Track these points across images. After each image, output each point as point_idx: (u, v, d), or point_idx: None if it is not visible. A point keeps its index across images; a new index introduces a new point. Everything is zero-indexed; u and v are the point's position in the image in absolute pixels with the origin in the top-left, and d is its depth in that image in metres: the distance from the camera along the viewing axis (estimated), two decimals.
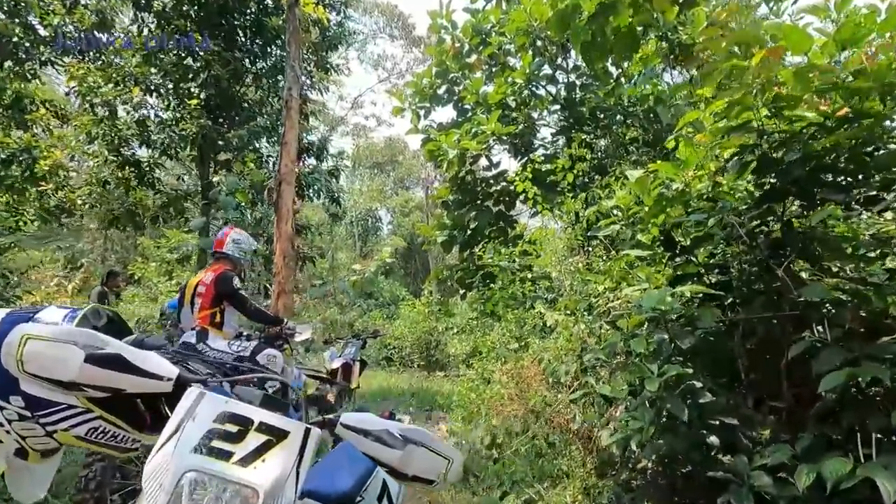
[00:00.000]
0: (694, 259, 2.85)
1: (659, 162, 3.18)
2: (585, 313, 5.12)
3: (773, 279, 2.46)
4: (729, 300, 2.61)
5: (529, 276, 5.25)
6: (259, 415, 1.03)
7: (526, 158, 6.94)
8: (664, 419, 2.06)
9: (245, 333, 3.89)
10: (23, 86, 7.18)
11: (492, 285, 5.59)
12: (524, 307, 5.71)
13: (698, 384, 2.11)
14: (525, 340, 5.93)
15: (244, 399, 1.13)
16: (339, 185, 8.08)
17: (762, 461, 1.90)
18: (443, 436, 5.86)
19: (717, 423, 2.13)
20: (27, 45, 7.08)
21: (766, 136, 2.48)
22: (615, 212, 5.40)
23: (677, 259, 2.90)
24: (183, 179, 8.28)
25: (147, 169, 6.92)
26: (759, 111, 2.39)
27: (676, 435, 2.07)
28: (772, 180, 2.49)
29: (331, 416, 1.19)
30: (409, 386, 9.40)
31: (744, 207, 2.57)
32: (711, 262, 2.85)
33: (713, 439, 2.08)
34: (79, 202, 6.61)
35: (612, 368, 2.63)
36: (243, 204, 5.16)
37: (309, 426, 1.06)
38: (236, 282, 3.37)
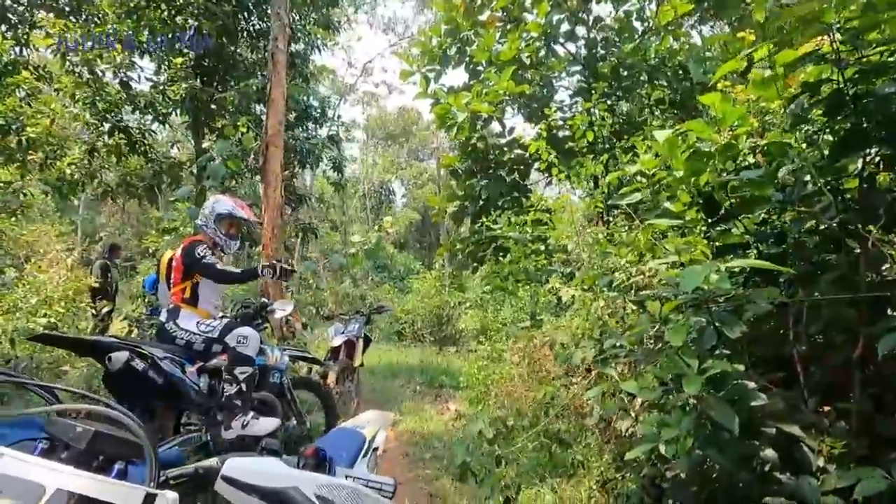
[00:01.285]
0: (740, 227, 2.36)
1: (690, 121, 2.67)
2: (605, 289, 4.66)
3: (844, 251, 1.97)
4: (784, 278, 2.12)
5: (543, 248, 4.78)
6: (60, 477, 0.61)
7: (542, 119, 6.34)
8: (707, 429, 1.63)
9: (220, 313, 3.54)
10: (21, 51, 6.83)
11: (502, 259, 5.14)
12: (537, 282, 5.27)
13: (750, 384, 1.66)
14: (538, 318, 5.51)
15: (59, 437, 0.72)
16: (342, 151, 7.58)
17: (837, 483, 1.47)
18: (451, 417, 5.54)
19: (773, 431, 1.68)
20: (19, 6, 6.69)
21: (840, 71, 1.94)
22: (639, 178, 4.88)
23: (718, 228, 2.41)
24: (178, 147, 7.90)
25: (139, 136, 6.55)
26: (834, 33, 1.85)
27: (722, 447, 1.64)
28: (847, 126, 1.97)
29: (212, 462, 0.78)
30: (419, 362, 9.11)
31: (807, 164, 2.06)
32: (762, 230, 2.35)
33: (769, 453, 1.64)
34: (68, 171, 6.31)
35: (636, 359, 2.19)
36: (236, 172, 4.76)
37: (154, 492, 0.63)
38: (200, 249, 2.99)
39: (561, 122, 9.18)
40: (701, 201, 2.38)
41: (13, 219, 10.41)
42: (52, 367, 4.44)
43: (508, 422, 5.15)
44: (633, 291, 3.47)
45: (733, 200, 2.38)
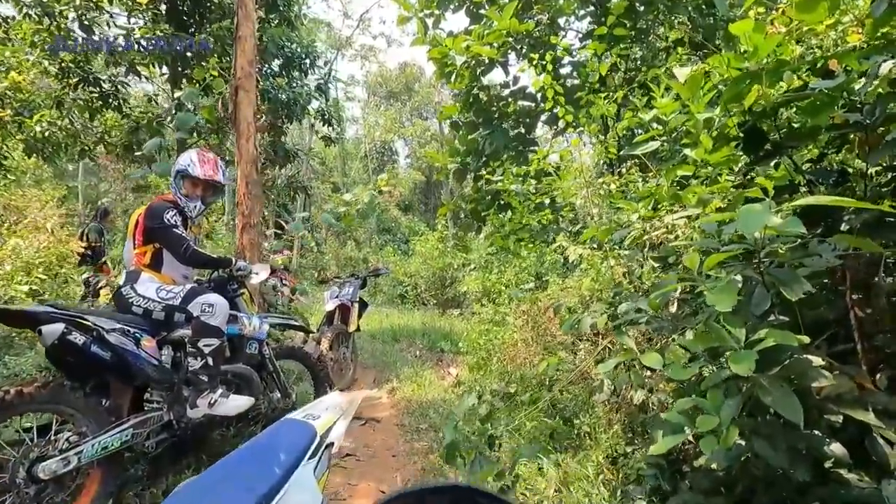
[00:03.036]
0: (785, 167, 1.93)
1: (716, 56, 2.19)
2: (617, 246, 4.26)
3: None
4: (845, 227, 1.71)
5: (548, 202, 4.35)
6: None
7: (545, 50, 5.68)
8: (757, 417, 1.27)
9: (195, 277, 3.20)
10: None
11: (504, 216, 4.73)
12: (543, 241, 4.88)
13: (815, 359, 1.28)
14: (544, 279, 5.15)
15: None
16: (330, 102, 7.00)
17: None
18: (451, 383, 5.28)
19: (840, 420, 1.32)
20: None
21: None
22: (655, 126, 4.43)
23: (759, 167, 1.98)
24: (156, 101, 7.38)
25: (111, 89, 6.03)
26: None
27: (775, 440, 1.28)
28: None
29: None
30: (421, 325, 8.86)
31: None
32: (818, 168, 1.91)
33: (835, 448, 1.28)
34: (38, 129, 5.86)
35: (660, 326, 1.81)
36: (209, 122, 4.30)
37: None
38: (169, 215, 2.62)
39: (570, 69, 8.51)
40: (743, 133, 1.94)
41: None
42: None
43: (511, 389, 4.90)
44: (647, 248, 3.09)
45: (781, 133, 1.94)
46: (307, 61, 6.20)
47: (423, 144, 27.53)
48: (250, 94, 3.69)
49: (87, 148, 6.46)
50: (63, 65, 5.33)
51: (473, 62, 8.35)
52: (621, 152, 5.37)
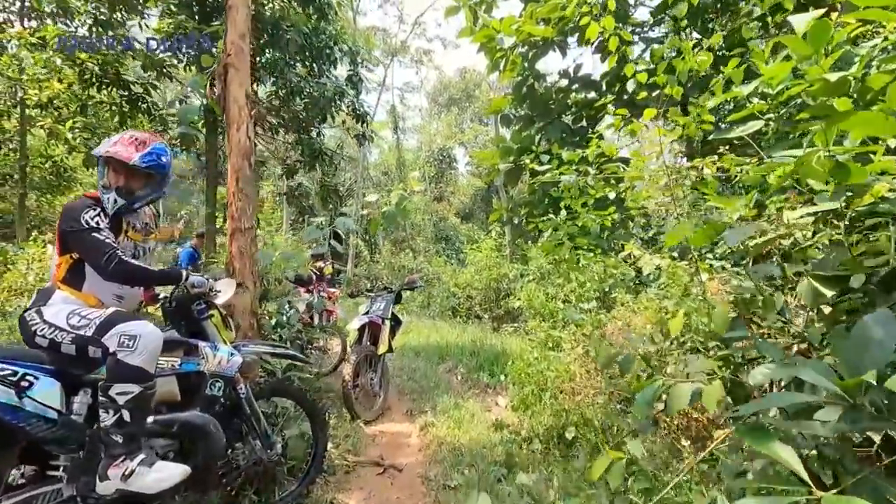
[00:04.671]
0: None
1: None
2: (710, 256, 3.19)
3: None
4: None
5: (612, 195, 3.34)
6: None
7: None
8: None
9: (162, 294, 2.57)
10: None
11: (552, 217, 3.77)
12: (603, 248, 3.86)
13: None
14: (610, 294, 4.09)
15: None
16: (362, 96, 6.33)
17: None
18: (492, 421, 4.37)
19: None
20: None
21: None
22: (755, 100, 3.41)
23: None
24: (186, 101, 7.14)
25: (143, 92, 5.79)
26: None
27: None
28: None
29: None
30: (472, 342, 7.97)
31: None
32: None
33: None
34: (69, 136, 5.72)
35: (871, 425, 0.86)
36: (214, 112, 3.75)
37: None
38: (89, 216, 1.98)
39: (641, 48, 7.38)
40: None
41: (56, 195, 10.37)
42: None
43: (569, 434, 3.91)
44: (748, 261, 2.06)
45: None
46: (336, 53, 5.58)
47: (479, 148, 26.77)
48: (242, 73, 3.07)
49: None
50: (83, 66, 5.12)
51: (526, 47, 7.44)
52: (710, 137, 4.25)
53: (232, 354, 2.44)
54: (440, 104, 30.99)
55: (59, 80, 5.74)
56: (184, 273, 2.21)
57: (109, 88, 5.34)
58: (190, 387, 2.28)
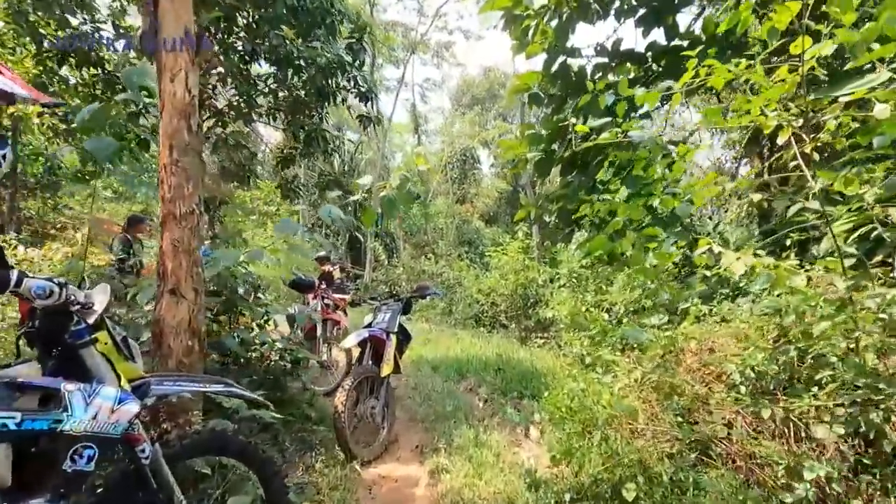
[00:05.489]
0: None
1: None
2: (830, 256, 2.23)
3: None
4: None
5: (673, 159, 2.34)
6: None
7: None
8: None
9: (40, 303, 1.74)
10: None
11: (596, 198, 2.79)
12: (675, 240, 2.87)
13: None
14: (682, 306, 3.08)
15: None
16: (364, 69, 5.39)
17: None
18: (520, 463, 3.41)
19: None
20: None
21: None
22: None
23: None
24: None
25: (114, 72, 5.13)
26: None
27: None
28: None
29: None
30: (497, 356, 7.00)
31: None
32: None
33: None
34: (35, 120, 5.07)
35: None
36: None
37: None
38: None
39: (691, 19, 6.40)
40: None
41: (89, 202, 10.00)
42: None
43: (624, 491, 2.93)
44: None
45: None
46: (331, 19, 4.72)
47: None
48: (181, 7, 2.26)
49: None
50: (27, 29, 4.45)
51: (556, 18, 6.46)
52: (810, 97, 3.23)
53: (122, 400, 1.58)
54: (463, 105, 30.14)
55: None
56: (12, 276, 1.37)
57: (86, 68, 4.57)
58: (39, 458, 1.42)
